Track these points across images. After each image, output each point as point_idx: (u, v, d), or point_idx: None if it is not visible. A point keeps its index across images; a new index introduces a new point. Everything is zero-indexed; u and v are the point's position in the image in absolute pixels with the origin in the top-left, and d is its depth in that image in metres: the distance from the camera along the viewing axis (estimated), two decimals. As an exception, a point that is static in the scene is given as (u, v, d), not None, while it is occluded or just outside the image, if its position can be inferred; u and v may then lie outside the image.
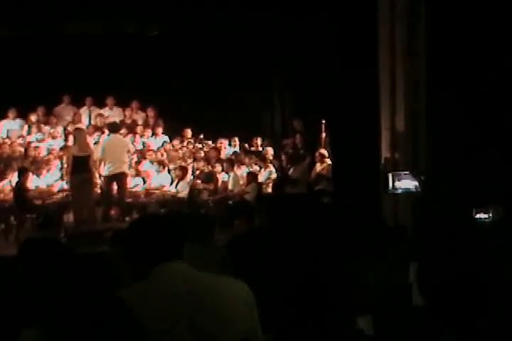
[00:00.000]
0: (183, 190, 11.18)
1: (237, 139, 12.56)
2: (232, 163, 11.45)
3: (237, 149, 12.51)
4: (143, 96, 12.72)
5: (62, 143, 12.05)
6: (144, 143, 12.43)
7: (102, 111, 12.72)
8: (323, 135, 11.30)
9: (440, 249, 2.36)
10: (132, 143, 11.67)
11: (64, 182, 10.92)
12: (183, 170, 11.39)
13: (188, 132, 12.66)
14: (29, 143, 12.03)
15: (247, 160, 11.85)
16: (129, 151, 10.84)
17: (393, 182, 7.58)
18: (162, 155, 12.13)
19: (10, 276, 2.96)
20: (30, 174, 10.67)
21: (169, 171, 11.67)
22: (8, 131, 12.29)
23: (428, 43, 7.63)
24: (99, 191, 10.67)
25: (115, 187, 10.50)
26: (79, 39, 11.35)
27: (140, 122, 12.88)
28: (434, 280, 2.14)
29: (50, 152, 11.80)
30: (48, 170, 11.27)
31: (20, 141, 12.10)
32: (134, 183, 11.32)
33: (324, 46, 8.93)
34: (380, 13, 8.10)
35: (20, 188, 10.24)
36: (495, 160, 7.22)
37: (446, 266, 2.15)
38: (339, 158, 9.06)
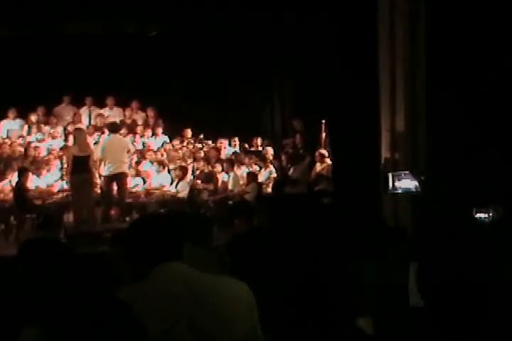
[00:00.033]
0: (183, 190, 11.18)
1: (237, 139, 12.57)
2: (232, 163, 11.45)
3: (237, 149, 12.51)
4: (143, 96, 12.72)
5: (62, 143, 12.05)
6: (144, 143, 12.43)
7: (102, 111, 12.73)
8: (323, 135, 11.30)
9: (440, 248, 2.36)
10: (132, 143, 11.67)
11: (64, 182, 10.92)
12: (183, 170, 11.39)
13: (188, 132, 12.66)
14: (29, 143, 12.03)
15: (247, 160, 11.86)
16: (129, 151, 10.84)
17: (393, 182, 7.58)
18: (162, 155, 12.13)
19: (10, 276, 2.96)
20: (30, 174, 10.67)
21: (169, 171, 11.67)
22: (8, 131, 12.30)
23: (428, 43, 7.63)
24: (99, 191, 10.67)
25: (115, 187, 10.50)
26: (79, 39, 11.35)
27: (140, 122, 12.88)
28: (434, 280, 2.14)
29: (50, 152, 11.81)
30: (48, 170, 11.27)
31: (20, 141, 12.10)
32: (134, 183, 11.33)
33: (324, 46, 8.92)
34: (380, 13, 8.09)
35: (20, 188, 10.24)
36: (495, 160, 7.21)
37: (446, 266, 2.15)
38: (339, 158, 9.06)
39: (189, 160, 12.02)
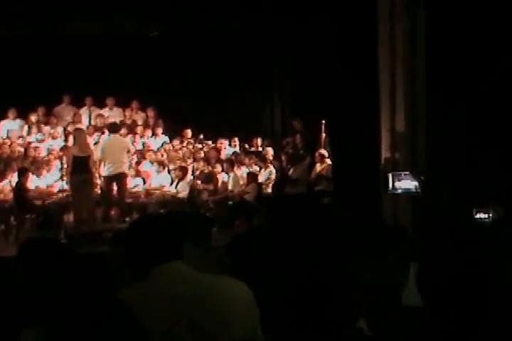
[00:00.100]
0: (183, 190, 11.19)
1: (237, 139, 12.57)
2: (232, 163, 11.46)
3: (237, 149, 12.51)
4: (143, 97, 12.72)
5: (62, 144, 12.05)
6: (143, 144, 12.44)
7: (102, 112, 12.73)
8: (323, 135, 11.30)
9: (440, 249, 2.36)
10: (132, 144, 11.68)
11: (64, 182, 10.93)
12: (183, 170, 11.40)
13: (188, 132, 12.66)
14: (29, 143, 12.04)
15: (247, 160, 11.86)
16: (129, 152, 10.85)
17: (393, 182, 7.58)
18: (162, 155, 12.13)
19: (10, 276, 2.96)
20: (30, 174, 10.68)
21: (169, 171, 11.68)
22: (8, 131, 12.30)
23: (428, 43, 7.63)
24: (99, 191, 10.68)
25: (115, 187, 10.51)
26: (79, 39, 11.35)
27: (140, 122, 12.88)
28: (434, 280, 2.14)
29: (50, 152, 11.81)
30: (47, 171, 11.28)
31: (20, 141, 12.10)
32: (134, 183, 11.33)
33: (324, 46, 8.93)
34: (380, 13, 8.09)
35: (20, 188, 10.24)
36: (495, 160, 7.21)
37: (446, 266, 2.15)
38: (339, 158, 9.06)
39: (189, 161, 12.03)
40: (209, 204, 10.93)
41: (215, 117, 12.38)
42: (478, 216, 6.02)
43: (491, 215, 5.95)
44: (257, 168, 11.67)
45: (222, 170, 11.43)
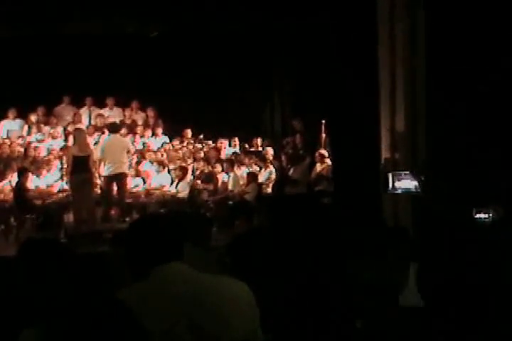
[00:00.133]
0: (183, 190, 11.19)
1: (237, 139, 12.57)
2: (232, 163, 11.46)
3: (237, 149, 12.52)
4: (143, 97, 12.72)
5: (62, 144, 12.05)
6: (143, 144, 12.44)
7: (102, 112, 12.73)
8: (323, 135, 11.30)
9: (440, 249, 2.36)
10: (132, 144, 11.68)
11: (64, 182, 10.93)
12: (183, 170, 11.40)
13: (188, 132, 12.67)
14: (29, 143, 12.04)
15: (247, 160, 11.86)
16: (129, 151, 10.85)
17: (393, 182, 7.57)
18: (162, 155, 12.13)
19: (10, 276, 2.96)
20: (30, 174, 10.68)
21: (169, 171, 11.68)
22: (8, 131, 12.30)
23: (428, 43, 7.63)
24: (99, 191, 10.68)
25: (115, 187, 10.51)
26: (79, 39, 11.34)
27: (140, 122, 12.88)
28: (434, 280, 2.13)
29: (50, 152, 11.81)
30: (47, 171, 11.27)
31: (20, 141, 12.10)
32: (134, 183, 11.33)
33: (324, 46, 8.92)
34: (380, 13, 8.09)
35: (20, 188, 10.24)
36: (495, 160, 7.21)
37: (446, 266, 2.14)
38: (339, 158, 9.06)
39: (189, 161, 12.03)
40: (209, 204, 10.93)
41: (215, 117, 12.37)
42: (478, 216, 6.02)
43: (491, 215, 5.95)
44: (257, 168, 11.67)
45: (222, 170, 11.43)
